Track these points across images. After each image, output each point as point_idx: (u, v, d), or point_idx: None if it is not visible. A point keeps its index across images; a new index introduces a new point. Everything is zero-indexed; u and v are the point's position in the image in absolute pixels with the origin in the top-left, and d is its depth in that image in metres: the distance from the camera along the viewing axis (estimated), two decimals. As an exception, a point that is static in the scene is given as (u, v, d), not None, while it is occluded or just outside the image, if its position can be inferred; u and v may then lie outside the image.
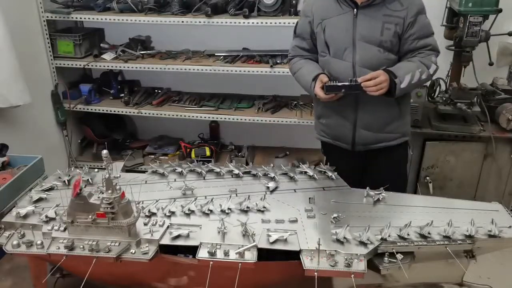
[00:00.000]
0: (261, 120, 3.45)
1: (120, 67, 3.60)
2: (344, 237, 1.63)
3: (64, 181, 2.06)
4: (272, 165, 2.16)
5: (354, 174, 2.25)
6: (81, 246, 1.63)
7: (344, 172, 2.14)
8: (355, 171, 2.35)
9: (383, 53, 2.18)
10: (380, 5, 2.15)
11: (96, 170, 2.18)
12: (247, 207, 1.83)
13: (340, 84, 2.13)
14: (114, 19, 3.39)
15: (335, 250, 1.59)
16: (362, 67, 2.17)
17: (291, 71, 2.44)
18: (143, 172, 2.19)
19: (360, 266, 1.56)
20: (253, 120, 3.46)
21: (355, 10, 2.16)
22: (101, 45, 3.73)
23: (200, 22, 3.25)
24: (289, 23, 3.15)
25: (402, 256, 1.62)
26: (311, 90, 2.23)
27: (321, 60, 2.32)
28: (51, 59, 3.56)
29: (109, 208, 1.58)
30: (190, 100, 3.68)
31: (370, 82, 2.07)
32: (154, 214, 1.80)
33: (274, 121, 3.45)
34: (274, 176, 2.06)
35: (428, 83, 2.97)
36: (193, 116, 3.55)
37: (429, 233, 1.68)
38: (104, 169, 1.59)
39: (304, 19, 2.32)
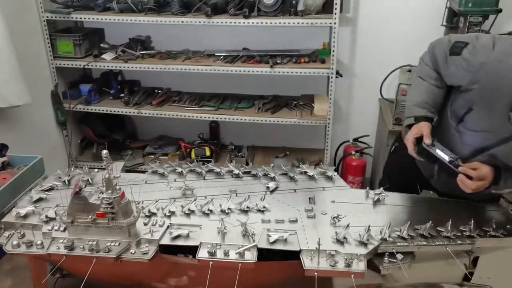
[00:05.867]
0: (261, 120, 3.45)
1: (120, 67, 3.60)
2: (344, 237, 1.63)
3: (64, 181, 2.06)
4: (272, 165, 2.16)
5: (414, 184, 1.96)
6: (81, 246, 1.63)
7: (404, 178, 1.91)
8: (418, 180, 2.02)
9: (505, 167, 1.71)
10: None
11: (96, 170, 2.18)
12: (247, 207, 1.83)
13: (438, 154, 1.72)
14: (114, 19, 3.39)
15: (335, 250, 1.59)
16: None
17: (415, 70, 2.02)
18: (143, 172, 2.19)
19: (360, 266, 1.56)
20: (253, 120, 3.46)
21: None
22: (101, 45, 3.73)
23: (200, 22, 3.25)
24: (289, 23, 3.15)
25: (402, 256, 1.62)
26: (407, 119, 1.87)
27: (444, 121, 1.85)
28: (51, 59, 3.56)
29: (109, 208, 1.58)
30: (190, 100, 3.69)
31: (471, 184, 1.66)
32: (154, 214, 1.80)
33: (274, 121, 3.45)
34: (274, 176, 2.06)
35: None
36: (193, 116, 3.55)
37: (429, 233, 1.68)
38: (104, 169, 1.59)
39: (465, 72, 1.71)
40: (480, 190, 1.68)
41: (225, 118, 3.53)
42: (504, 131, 1.65)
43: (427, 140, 1.73)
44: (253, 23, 3.18)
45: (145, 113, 3.59)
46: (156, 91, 3.87)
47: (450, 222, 1.70)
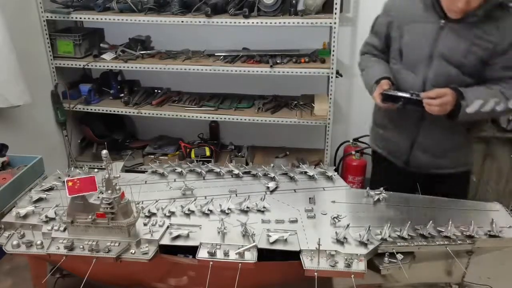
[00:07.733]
0: (261, 120, 3.45)
1: (120, 67, 3.60)
2: (344, 237, 1.63)
3: (64, 181, 2.06)
4: (272, 165, 2.16)
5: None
6: (81, 246, 1.63)
7: (392, 190, 1.96)
8: (406, 191, 2.05)
9: (461, 76, 1.93)
10: (472, 24, 1.85)
11: (96, 170, 2.18)
12: (247, 207, 1.83)
13: (399, 94, 1.93)
14: (114, 19, 3.39)
15: (335, 250, 1.59)
16: (434, 86, 1.94)
17: (359, 68, 2.29)
18: (143, 172, 2.19)
19: (360, 266, 1.56)
20: (253, 120, 3.46)
21: (442, 21, 1.89)
22: (101, 45, 3.73)
23: (200, 22, 3.25)
24: (289, 23, 3.15)
25: (402, 256, 1.62)
26: (372, 94, 2.09)
27: (391, 68, 2.13)
28: (51, 59, 3.56)
29: (108, 208, 1.58)
30: (190, 100, 3.69)
31: (435, 101, 1.86)
32: (154, 214, 1.80)
33: (274, 121, 3.44)
34: (274, 176, 2.06)
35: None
36: (193, 116, 3.55)
37: (429, 233, 1.68)
38: (104, 169, 1.59)
39: (384, 18, 2.12)
40: (447, 107, 1.86)
41: (225, 118, 3.53)
42: (435, 25, 1.92)
43: (384, 86, 2.00)
44: (253, 23, 3.18)
45: (145, 113, 3.59)
46: (156, 91, 3.87)
47: (450, 222, 1.70)
